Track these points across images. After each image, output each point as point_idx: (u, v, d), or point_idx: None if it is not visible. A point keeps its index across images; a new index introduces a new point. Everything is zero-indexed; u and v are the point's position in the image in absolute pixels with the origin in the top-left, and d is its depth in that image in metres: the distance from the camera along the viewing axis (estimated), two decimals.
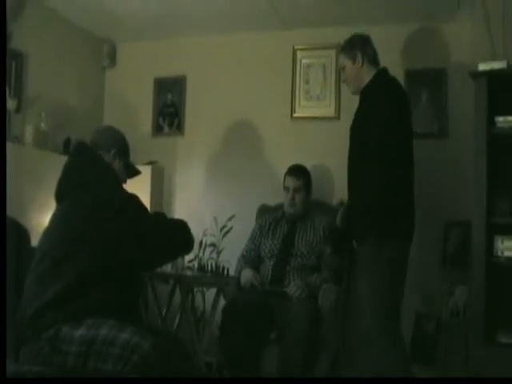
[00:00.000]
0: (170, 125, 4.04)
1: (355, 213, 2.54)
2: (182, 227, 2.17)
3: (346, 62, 2.73)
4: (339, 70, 2.75)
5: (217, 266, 2.99)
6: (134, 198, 2.09)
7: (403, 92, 2.66)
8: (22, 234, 2.27)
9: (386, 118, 2.45)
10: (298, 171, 3.25)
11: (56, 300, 1.88)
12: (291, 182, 3.21)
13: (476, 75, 2.74)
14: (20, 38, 3.31)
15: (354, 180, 2.62)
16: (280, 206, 3.34)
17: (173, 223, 2.24)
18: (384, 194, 2.42)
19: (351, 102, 3.56)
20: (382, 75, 2.67)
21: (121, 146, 2.27)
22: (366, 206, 2.46)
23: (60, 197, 2.12)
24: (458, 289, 2.98)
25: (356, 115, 2.70)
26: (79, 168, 2.13)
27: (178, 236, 2.14)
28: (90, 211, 1.98)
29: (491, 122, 2.71)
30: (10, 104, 3.22)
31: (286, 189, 3.22)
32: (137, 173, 2.42)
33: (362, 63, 2.68)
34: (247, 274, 3.06)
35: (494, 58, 2.81)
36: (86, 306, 1.89)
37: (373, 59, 2.71)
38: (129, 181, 3.58)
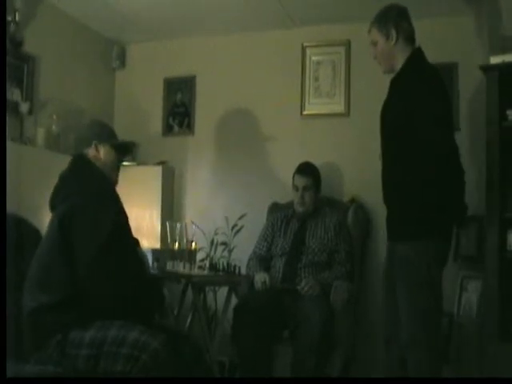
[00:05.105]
0: (180, 124, 4.05)
1: (397, 212, 2.31)
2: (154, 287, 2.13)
3: (378, 37, 2.38)
4: (373, 44, 2.41)
5: (228, 265, 2.98)
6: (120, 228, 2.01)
7: (442, 81, 2.33)
8: (33, 234, 2.28)
9: (430, 114, 2.19)
10: (306, 170, 3.23)
11: (62, 304, 1.87)
12: (300, 181, 3.19)
13: (487, 68, 2.72)
14: (32, 41, 3.34)
15: (392, 176, 2.34)
16: (290, 204, 3.32)
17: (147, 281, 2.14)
18: (434, 192, 2.18)
19: (361, 99, 3.58)
20: (417, 60, 2.35)
21: (99, 133, 2.21)
22: (412, 204, 2.22)
23: (53, 205, 2.10)
24: (471, 284, 2.95)
25: (388, 107, 2.38)
26: (75, 179, 2.11)
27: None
28: (81, 222, 1.93)
29: (503, 116, 2.69)
30: (23, 107, 3.25)
31: (296, 187, 3.20)
32: (130, 146, 2.39)
33: (397, 40, 2.35)
34: (261, 279, 3.01)
35: (505, 51, 2.77)
36: (93, 308, 1.88)
37: (408, 36, 2.38)
38: (140, 181, 3.66)
